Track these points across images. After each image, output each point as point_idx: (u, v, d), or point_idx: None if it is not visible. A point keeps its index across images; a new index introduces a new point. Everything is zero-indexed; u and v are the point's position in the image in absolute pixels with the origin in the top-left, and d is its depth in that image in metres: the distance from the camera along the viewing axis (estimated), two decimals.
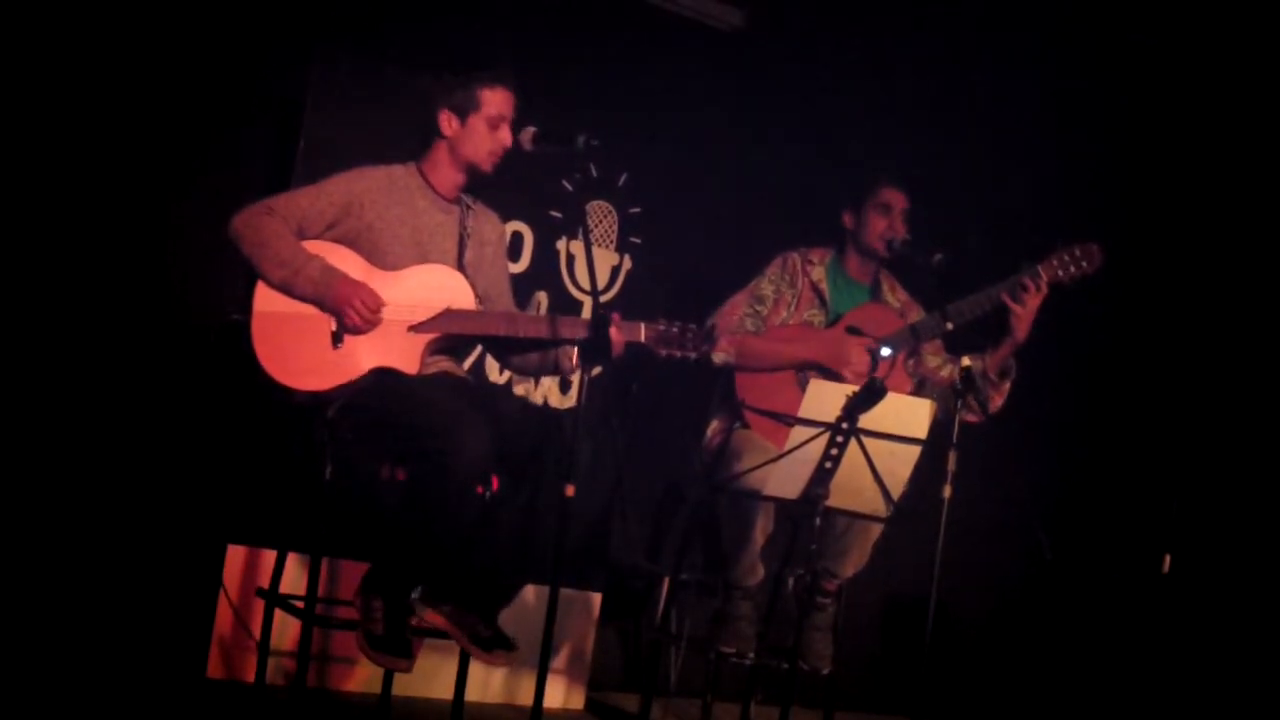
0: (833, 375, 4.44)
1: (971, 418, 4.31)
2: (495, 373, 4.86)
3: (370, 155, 3.98)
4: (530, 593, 4.67)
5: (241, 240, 3.72)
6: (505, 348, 4.10)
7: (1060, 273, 4.47)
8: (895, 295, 4.75)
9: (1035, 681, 6.03)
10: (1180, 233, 6.11)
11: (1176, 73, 5.98)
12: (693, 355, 3.75)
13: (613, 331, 3.63)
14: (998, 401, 4.53)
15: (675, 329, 3.75)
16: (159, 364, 4.45)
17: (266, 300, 3.75)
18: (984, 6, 5.69)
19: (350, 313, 3.72)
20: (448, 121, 3.90)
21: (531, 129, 3.81)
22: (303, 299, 3.74)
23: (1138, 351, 6.17)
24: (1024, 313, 4.41)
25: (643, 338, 3.76)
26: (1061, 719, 5.99)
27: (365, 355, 3.77)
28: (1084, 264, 4.47)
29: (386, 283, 3.81)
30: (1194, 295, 6.05)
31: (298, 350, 3.75)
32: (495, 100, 3.88)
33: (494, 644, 3.71)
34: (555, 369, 4.01)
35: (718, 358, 4.50)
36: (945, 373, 4.66)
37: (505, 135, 3.90)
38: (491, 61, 3.94)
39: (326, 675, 4.54)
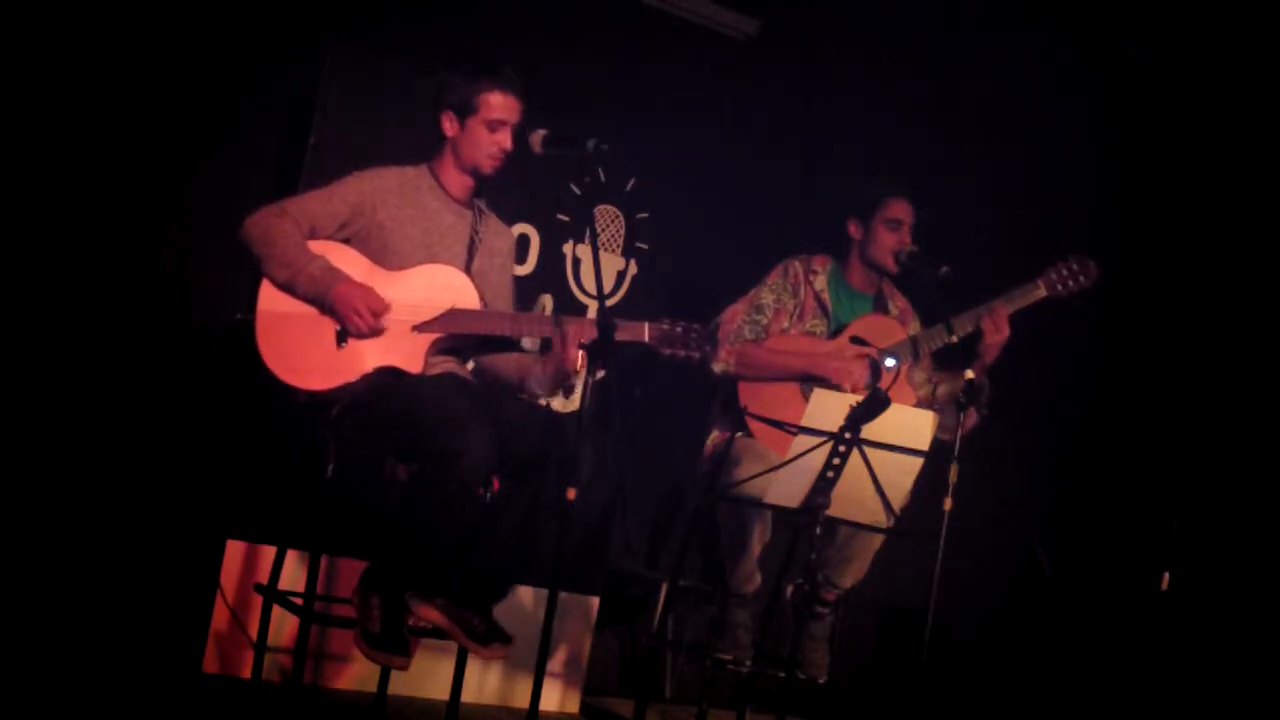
0: (833, 388, 4.43)
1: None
2: None
3: (380, 156, 3.98)
4: (528, 595, 4.68)
5: (252, 241, 3.74)
6: (489, 351, 4.06)
7: (1059, 286, 4.46)
8: (895, 303, 4.73)
9: (1031, 697, 6.02)
10: (1179, 249, 6.12)
11: (1176, 87, 5.99)
12: (695, 355, 3.75)
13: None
14: (972, 419, 4.48)
15: (679, 329, 3.74)
16: (164, 362, 4.47)
17: (271, 300, 3.75)
18: (991, 21, 5.70)
19: (354, 319, 3.71)
20: (449, 123, 3.91)
21: (542, 132, 3.80)
22: (305, 299, 3.74)
23: (1138, 368, 6.16)
24: (995, 338, 4.37)
25: (646, 337, 3.75)
26: None
27: (369, 355, 3.77)
28: (1081, 278, 4.47)
29: (391, 282, 3.81)
30: (1195, 311, 6.05)
31: (302, 349, 3.76)
32: (495, 104, 3.86)
33: (490, 637, 3.71)
34: (520, 389, 3.95)
35: (717, 367, 4.49)
36: (923, 392, 4.61)
37: (505, 139, 3.89)
38: (495, 64, 3.93)
39: (323, 673, 4.54)
